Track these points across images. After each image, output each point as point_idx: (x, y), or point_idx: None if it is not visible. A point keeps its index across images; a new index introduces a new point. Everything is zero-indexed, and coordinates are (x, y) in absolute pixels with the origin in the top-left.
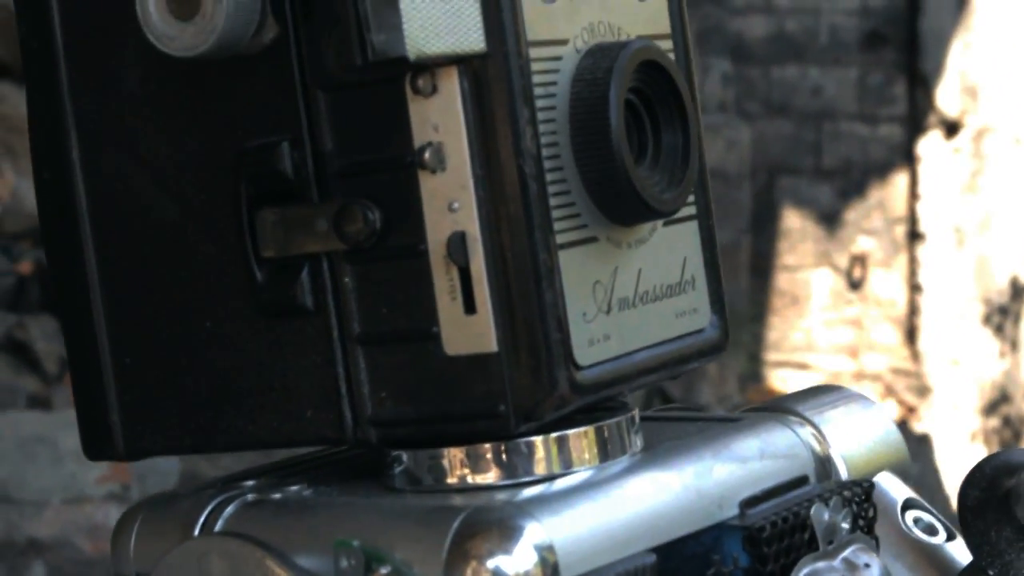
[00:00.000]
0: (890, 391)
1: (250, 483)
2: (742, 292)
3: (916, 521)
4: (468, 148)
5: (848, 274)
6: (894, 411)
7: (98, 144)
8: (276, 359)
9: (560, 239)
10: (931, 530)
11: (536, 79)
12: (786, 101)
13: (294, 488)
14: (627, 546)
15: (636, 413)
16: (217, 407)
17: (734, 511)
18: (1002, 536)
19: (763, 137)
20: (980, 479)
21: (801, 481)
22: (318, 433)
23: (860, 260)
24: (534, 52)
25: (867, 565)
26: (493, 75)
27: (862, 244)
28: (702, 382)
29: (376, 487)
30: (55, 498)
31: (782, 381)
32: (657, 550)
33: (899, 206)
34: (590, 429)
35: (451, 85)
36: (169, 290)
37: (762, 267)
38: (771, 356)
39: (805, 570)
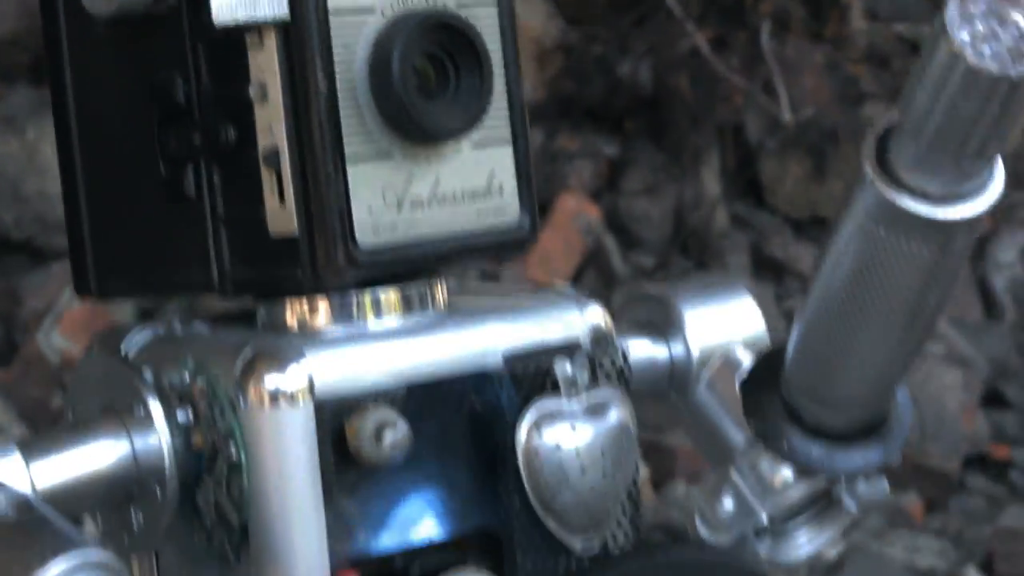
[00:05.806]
0: None
1: (172, 320)
2: None
3: None
4: (281, 87)
5: None
6: None
7: (83, 66)
8: (176, 231)
9: (351, 154)
10: None
11: (338, 39)
12: None
13: (194, 324)
14: (384, 382)
15: (441, 280)
16: (144, 263)
17: (499, 361)
18: (772, 406)
19: None
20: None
21: (571, 346)
22: (200, 285)
23: None
24: (337, 19)
25: (603, 407)
26: (297, 36)
27: None
28: None
29: (249, 327)
30: None
31: None
32: (419, 388)
33: None
34: (391, 289)
35: (271, 41)
36: (120, 175)
37: None
38: None
39: (536, 404)
